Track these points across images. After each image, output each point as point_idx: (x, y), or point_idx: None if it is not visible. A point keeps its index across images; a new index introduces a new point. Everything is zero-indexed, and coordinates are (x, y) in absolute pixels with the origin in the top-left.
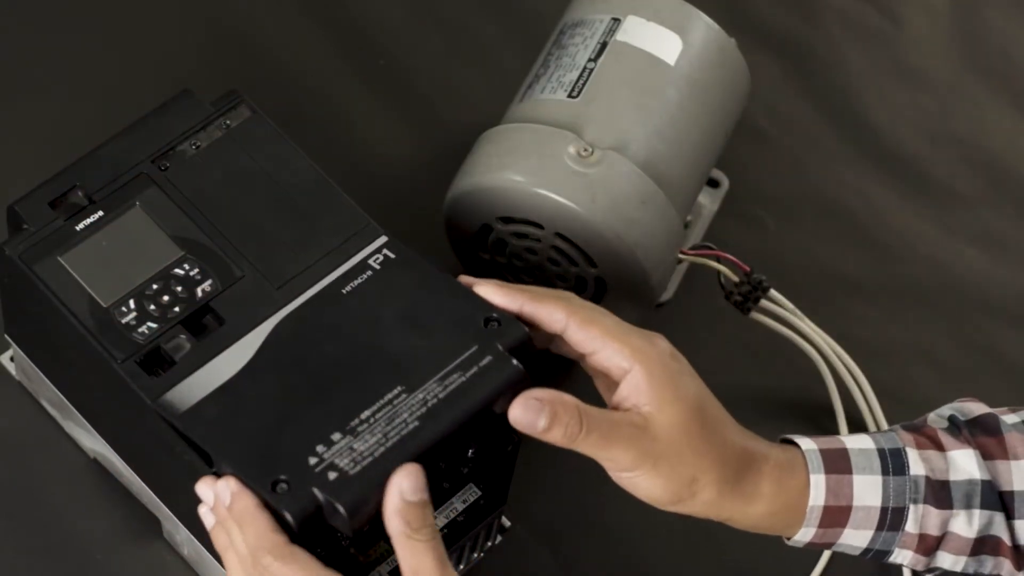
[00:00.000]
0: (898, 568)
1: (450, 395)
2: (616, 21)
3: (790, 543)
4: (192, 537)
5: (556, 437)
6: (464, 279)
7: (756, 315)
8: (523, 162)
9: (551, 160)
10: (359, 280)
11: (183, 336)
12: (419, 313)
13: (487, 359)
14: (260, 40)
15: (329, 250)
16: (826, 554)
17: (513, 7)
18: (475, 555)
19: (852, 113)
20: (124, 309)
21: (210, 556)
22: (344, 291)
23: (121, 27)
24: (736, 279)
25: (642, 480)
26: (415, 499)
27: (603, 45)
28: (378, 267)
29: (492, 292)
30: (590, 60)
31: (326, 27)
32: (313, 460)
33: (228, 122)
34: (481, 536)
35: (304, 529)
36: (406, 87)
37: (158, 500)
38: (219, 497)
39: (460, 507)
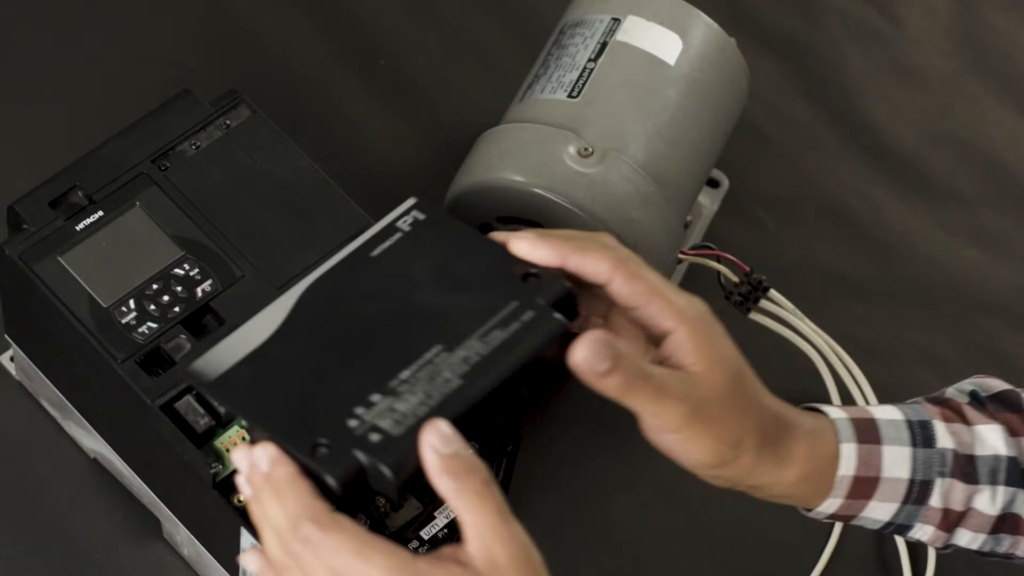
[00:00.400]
0: (899, 568)
1: (493, 351)
2: (616, 21)
3: (811, 515)
4: (192, 537)
5: (614, 383)
6: (498, 235)
7: (756, 315)
8: (523, 162)
9: (551, 160)
10: (388, 243)
11: (183, 336)
12: (454, 271)
13: (529, 314)
14: (260, 40)
15: (329, 250)
16: (826, 554)
17: (513, 7)
18: None
19: (852, 113)
20: (124, 309)
21: (210, 556)
22: (373, 254)
23: (121, 27)
24: (736, 279)
25: (689, 441)
26: (449, 450)
27: (603, 45)
28: (408, 228)
29: (530, 247)
30: (590, 60)
31: (326, 27)
32: (353, 423)
33: (228, 122)
34: None
35: (347, 493)
36: (406, 87)
37: (158, 500)
38: (256, 464)
39: None
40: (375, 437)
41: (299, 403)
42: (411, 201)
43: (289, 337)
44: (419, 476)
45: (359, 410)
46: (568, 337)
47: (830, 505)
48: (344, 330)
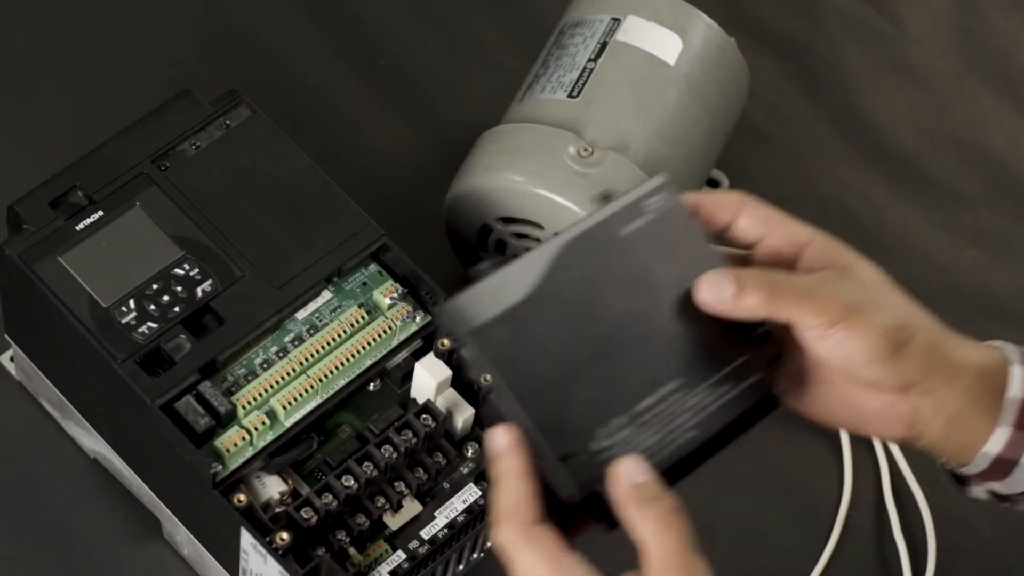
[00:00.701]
0: (899, 568)
1: (719, 409)
2: (616, 21)
3: (970, 466)
4: (192, 537)
5: (752, 302)
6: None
7: None
8: (523, 162)
9: (551, 160)
10: (634, 225)
11: (183, 336)
12: (690, 288)
13: (753, 378)
14: (260, 40)
15: (329, 250)
16: (826, 554)
17: (513, 7)
18: (475, 555)
19: (852, 113)
20: (124, 309)
21: (210, 556)
22: (620, 234)
23: (121, 27)
24: None
25: (855, 331)
26: (644, 479)
27: (603, 45)
28: (652, 216)
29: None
30: (590, 60)
31: (326, 27)
32: (595, 444)
33: (228, 122)
34: (481, 536)
35: (571, 509)
36: (406, 87)
37: (158, 500)
38: (493, 443)
39: (460, 507)
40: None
41: (554, 398)
42: (659, 180)
43: (544, 306)
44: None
45: (599, 431)
46: (771, 412)
47: (997, 439)
48: (595, 318)
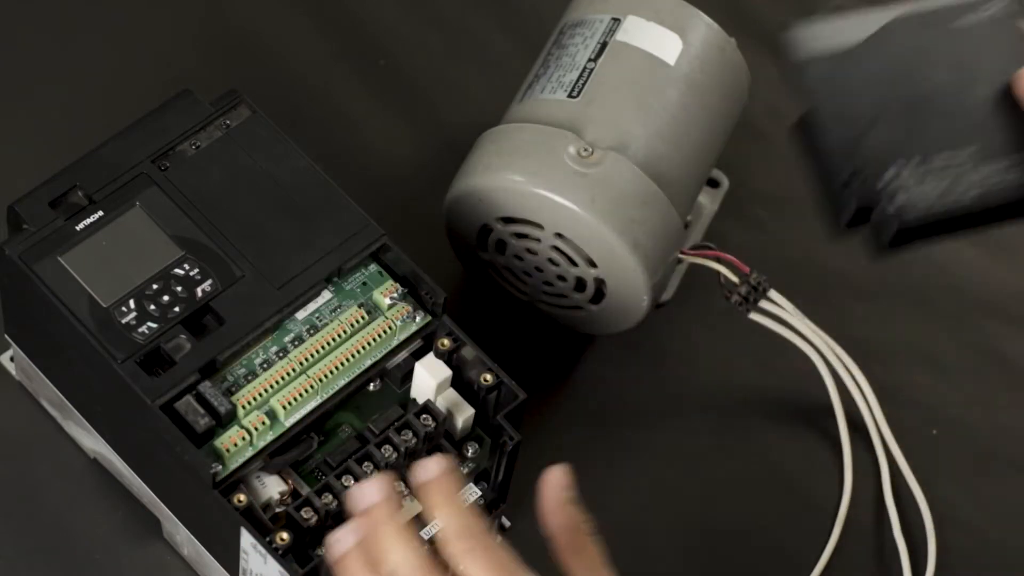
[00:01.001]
0: (899, 568)
1: (1006, 185)
2: (616, 21)
3: None
4: (192, 537)
5: None
6: None
7: (756, 315)
8: (523, 162)
9: (551, 160)
10: (969, 20)
11: (183, 336)
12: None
13: None
14: (260, 40)
15: (329, 250)
16: (826, 554)
17: (513, 7)
18: None
19: None
20: (124, 309)
21: (210, 556)
22: (955, 24)
23: (121, 27)
24: (736, 279)
25: None
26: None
27: (603, 45)
28: (987, 15)
29: None
30: (590, 60)
31: (326, 27)
32: (882, 180)
33: (228, 122)
34: None
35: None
36: (406, 87)
37: (158, 500)
38: (367, 496)
39: None
40: (901, 197)
41: (858, 133)
42: None
43: (871, 57)
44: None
45: (891, 171)
46: None
47: None
48: (913, 82)
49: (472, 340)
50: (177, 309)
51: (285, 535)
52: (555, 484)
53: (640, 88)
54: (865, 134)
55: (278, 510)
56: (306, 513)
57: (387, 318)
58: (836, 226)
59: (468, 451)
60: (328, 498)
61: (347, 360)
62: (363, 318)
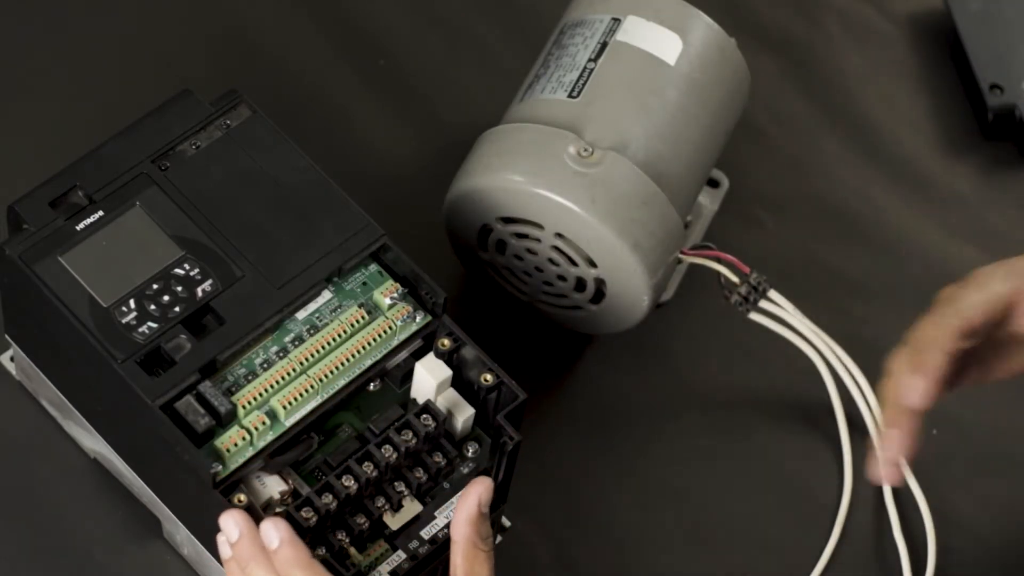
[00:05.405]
0: (899, 568)
1: None
2: (616, 21)
3: None
4: (192, 537)
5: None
6: None
7: (756, 315)
8: (523, 162)
9: (551, 160)
10: None
11: (183, 336)
12: None
13: None
14: (260, 40)
15: (329, 250)
16: (826, 554)
17: (513, 7)
18: None
19: (852, 113)
20: (124, 309)
21: (210, 556)
22: None
23: (121, 27)
24: (736, 279)
25: None
26: (487, 511)
27: (603, 45)
28: None
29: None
30: (590, 60)
31: (326, 27)
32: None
33: (228, 122)
34: None
35: None
36: (406, 87)
37: (158, 500)
38: (267, 537)
39: None
40: None
41: None
42: None
43: None
44: None
45: None
46: None
47: None
48: None
49: (472, 340)
50: (177, 309)
51: None
52: (474, 498)
53: (640, 88)
54: (1012, 49)
55: (278, 510)
56: (306, 513)
57: (387, 318)
58: (980, 127)
59: (468, 451)
60: (328, 498)
61: (347, 360)
62: (363, 318)
